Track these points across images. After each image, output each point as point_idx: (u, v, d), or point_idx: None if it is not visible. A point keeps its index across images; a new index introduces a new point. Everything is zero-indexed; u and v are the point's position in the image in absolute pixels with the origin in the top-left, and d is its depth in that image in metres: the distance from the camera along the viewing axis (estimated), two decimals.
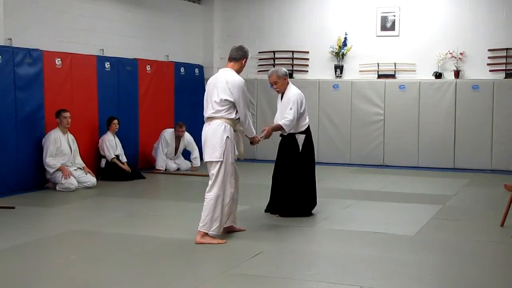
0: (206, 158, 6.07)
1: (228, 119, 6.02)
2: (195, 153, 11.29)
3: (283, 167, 7.26)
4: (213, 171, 6.02)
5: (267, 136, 6.99)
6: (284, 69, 7.30)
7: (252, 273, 5.11)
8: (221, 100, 5.99)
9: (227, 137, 6.00)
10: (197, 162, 11.28)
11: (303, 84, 12.06)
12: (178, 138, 11.33)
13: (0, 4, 8.67)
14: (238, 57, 6.19)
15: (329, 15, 12.59)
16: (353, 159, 12.29)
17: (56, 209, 7.87)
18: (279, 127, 7.09)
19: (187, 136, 11.39)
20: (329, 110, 12.38)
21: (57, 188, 8.98)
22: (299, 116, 7.13)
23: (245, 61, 6.24)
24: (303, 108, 7.18)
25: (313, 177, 7.38)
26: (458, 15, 11.79)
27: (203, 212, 6.01)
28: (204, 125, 6.14)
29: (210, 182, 6.05)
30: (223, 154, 5.97)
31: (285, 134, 7.22)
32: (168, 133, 11.26)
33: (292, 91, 7.20)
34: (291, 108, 7.05)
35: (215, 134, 5.98)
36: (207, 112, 6.09)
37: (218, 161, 5.99)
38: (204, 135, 6.10)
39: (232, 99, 6.01)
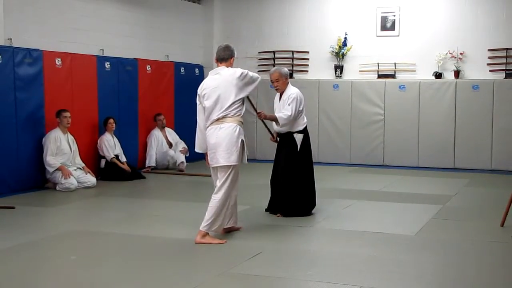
0: (222, 162, 5.98)
1: (239, 120, 6.05)
2: (183, 144, 11.49)
3: (282, 167, 7.28)
4: (224, 174, 6.00)
5: (262, 117, 6.91)
6: (286, 69, 7.39)
7: (252, 273, 5.11)
8: (235, 101, 5.99)
9: (242, 140, 6.03)
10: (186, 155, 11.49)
11: (303, 84, 12.06)
12: (162, 129, 11.49)
13: (0, 4, 8.68)
14: (227, 57, 6.18)
15: (329, 15, 12.60)
16: (353, 159, 12.29)
17: (56, 209, 7.87)
18: (274, 118, 7.09)
19: (168, 129, 11.63)
20: (329, 110, 12.38)
21: (57, 188, 8.98)
22: (297, 114, 7.15)
23: (233, 60, 6.25)
24: (301, 106, 7.21)
25: (312, 177, 7.39)
26: (458, 15, 11.79)
27: (207, 212, 5.99)
28: (212, 127, 6.03)
29: (218, 184, 6.03)
30: (238, 158, 6.01)
31: (282, 132, 7.24)
32: (155, 130, 11.48)
33: (292, 90, 7.26)
34: (289, 104, 7.09)
35: (231, 138, 5.97)
36: (216, 114, 6.00)
37: (231, 165, 5.99)
38: (215, 138, 5.99)
39: (244, 95, 6.07)
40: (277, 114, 7.09)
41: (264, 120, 7.08)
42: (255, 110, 6.86)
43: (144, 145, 11.34)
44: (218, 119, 6.01)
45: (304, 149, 7.30)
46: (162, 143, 11.40)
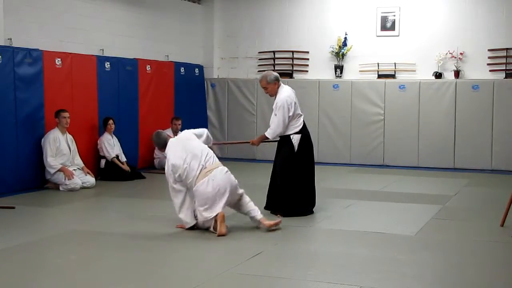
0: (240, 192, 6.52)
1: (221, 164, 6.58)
2: None
3: (280, 168, 7.29)
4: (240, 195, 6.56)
5: (255, 144, 7.56)
6: (274, 74, 7.32)
7: (252, 273, 5.11)
8: (203, 145, 6.62)
9: None
10: None
11: (303, 84, 12.10)
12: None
13: (0, 4, 8.68)
14: (162, 145, 6.72)
15: (329, 15, 12.60)
16: (353, 159, 12.29)
17: (56, 209, 7.87)
18: (264, 138, 7.35)
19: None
20: (329, 110, 12.38)
21: (61, 188, 8.96)
22: (289, 119, 7.19)
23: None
24: (291, 112, 7.19)
25: (312, 177, 7.39)
26: (458, 15, 11.79)
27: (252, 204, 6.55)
28: (203, 181, 6.35)
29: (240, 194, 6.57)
30: None
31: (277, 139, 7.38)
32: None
33: (281, 95, 7.23)
34: (275, 115, 7.16)
35: (232, 178, 6.49)
36: (197, 164, 6.40)
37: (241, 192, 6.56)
38: (224, 183, 6.37)
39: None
40: (265, 133, 7.33)
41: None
42: (246, 142, 7.54)
43: (143, 145, 11.32)
44: (202, 170, 6.36)
45: (303, 149, 7.29)
46: None
